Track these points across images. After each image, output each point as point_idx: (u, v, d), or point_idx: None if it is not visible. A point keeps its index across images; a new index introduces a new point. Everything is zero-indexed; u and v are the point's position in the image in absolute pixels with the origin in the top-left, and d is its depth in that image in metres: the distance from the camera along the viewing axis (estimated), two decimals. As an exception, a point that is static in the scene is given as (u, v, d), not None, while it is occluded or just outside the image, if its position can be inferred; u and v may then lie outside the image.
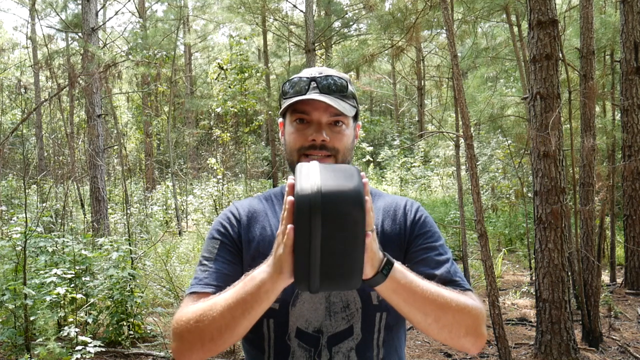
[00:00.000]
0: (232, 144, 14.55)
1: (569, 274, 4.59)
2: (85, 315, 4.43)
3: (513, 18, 7.49)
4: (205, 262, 1.15)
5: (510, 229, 9.77)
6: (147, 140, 17.64)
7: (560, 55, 4.11)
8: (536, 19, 3.97)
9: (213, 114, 16.11)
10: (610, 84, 7.80)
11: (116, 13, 14.74)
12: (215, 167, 10.92)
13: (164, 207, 12.70)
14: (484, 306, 1.10)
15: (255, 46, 23.58)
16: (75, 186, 10.02)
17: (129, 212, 7.84)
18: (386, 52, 8.36)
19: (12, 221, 5.47)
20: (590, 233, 5.41)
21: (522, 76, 7.04)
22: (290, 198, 0.85)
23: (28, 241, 4.27)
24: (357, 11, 12.90)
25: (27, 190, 6.58)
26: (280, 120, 1.25)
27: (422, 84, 18.72)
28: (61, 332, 3.96)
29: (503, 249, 8.21)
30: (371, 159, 19.30)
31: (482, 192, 10.44)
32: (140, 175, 18.70)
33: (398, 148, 19.99)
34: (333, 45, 15.12)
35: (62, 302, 4.38)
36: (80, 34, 9.89)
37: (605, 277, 6.82)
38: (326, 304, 1.12)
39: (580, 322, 4.59)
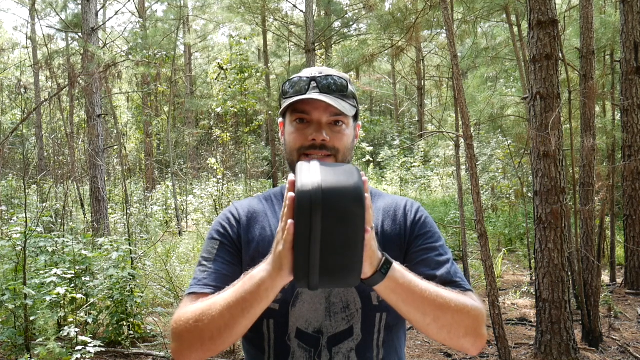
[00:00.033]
0: (232, 144, 14.55)
1: (569, 274, 4.59)
2: (85, 315, 4.43)
3: (513, 18, 7.49)
4: (205, 263, 1.15)
5: (510, 229, 9.77)
6: (147, 140, 17.64)
7: (560, 55, 4.11)
8: (536, 19, 3.97)
9: (213, 114, 16.10)
10: (610, 84, 7.80)
11: (116, 13, 14.75)
12: (215, 167, 10.92)
13: (164, 207, 12.69)
14: (485, 307, 1.10)
15: (255, 46, 23.58)
16: (75, 186, 10.02)
17: (129, 212, 7.84)
18: (386, 52, 8.36)
19: (12, 221, 5.47)
20: (590, 233, 5.41)
21: (522, 76, 7.04)
22: (291, 194, 0.86)
23: (28, 241, 4.27)
24: (357, 11, 12.90)
25: (27, 190, 6.58)
26: (280, 120, 1.25)
27: (422, 84, 18.72)
28: (61, 332, 3.96)
29: (503, 249, 8.21)
30: (371, 159, 19.30)
31: (482, 192, 10.44)
32: (140, 175, 18.70)
33: (398, 148, 19.99)
34: (333, 45, 15.12)
35: (62, 302, 4.38)
36: (80, 34, 9.90)
37: (605, 277, 6.82)
38: (326, 304, 1.12)
39: (580, 322, 4.59)
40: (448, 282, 1.10)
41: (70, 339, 4.03)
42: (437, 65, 17.98)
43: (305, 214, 0.83)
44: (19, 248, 4.28)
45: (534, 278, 4.92)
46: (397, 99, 25.01)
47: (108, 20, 11.49)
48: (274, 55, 19.66)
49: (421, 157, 18.64)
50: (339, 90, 1.16)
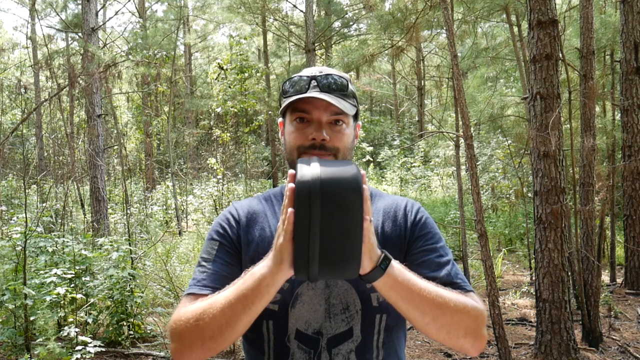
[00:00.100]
0: (232, 144, 14.55)
1: (569, 274, 4.59)
2: (85, 315, 4.43)
3: (513, 18, 7.49)
4: (204, 264, 1.15)
5: (510, 229, 9.77)
6: (147, 140, 17.64)
7: (560, 55, 4.11)
8: (536, 19, 3.97)
9: (213, 114, 16.11)
10: (610, 84, 7.80)
11: (116, 13, 14.72)
12: (215, 167, 10.92)
13: (164, 207, 12.69)
14: (485, 307, 1.09)
15: (255, 46, 23.58)
16: (75, 186, 10.01)
17: (129, 212, 7.83)
18: (386, 52, 8.35)
19: (12, 221, 5.47)
20: (590, 233, 5.41)
21: (522, 76, 7.04)
22: (291, 185, 0.87)
23: (28, 241, 4.27)
24: (357, 11, 12.90)
25: (27, 190, 6.58)
26: (280, 119, 1.25)
27: (422, 84, 18.72)
28: (61, 332, 3.96)
29: (503, 249, 8.21)
30: (371, 159, 19.29)
31: (482, 192, 10.44)
32: (140, 175, 18.70)
33: (398, 148, 19.99)
34: (333, 45, 15.12)
35: (62, 302, 4.38)
36: (80, 34, 9.89)
37: (605, 277, 6.82)
38: (326, 305, 1.12)
39: (580, 322, 4.59)
40: (449, 283, 1.10)
41: (70, 339, 4.03)
42: (437, 65, 17.98)
43: (304, 203, 0.85)
44: (19, 248, 4.28)
45: (534, 278, 4.92)
46: (397, 99, 25.01)
47: (108, 20, 11.49)
48: (274, 55, 19.66)
49: (421, 157, 18.65)
50: (339, 89, 1.15)
